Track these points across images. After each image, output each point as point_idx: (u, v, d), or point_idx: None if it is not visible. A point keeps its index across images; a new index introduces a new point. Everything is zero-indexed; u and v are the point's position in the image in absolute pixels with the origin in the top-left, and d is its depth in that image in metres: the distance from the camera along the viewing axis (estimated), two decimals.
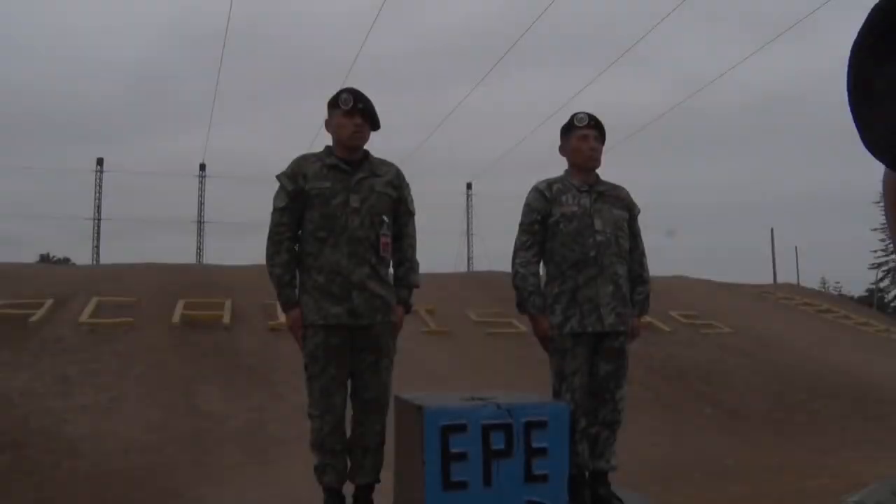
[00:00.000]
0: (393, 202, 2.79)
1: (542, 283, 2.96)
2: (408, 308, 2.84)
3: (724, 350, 8.01)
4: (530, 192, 3.02)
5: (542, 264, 2.99)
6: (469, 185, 23.91)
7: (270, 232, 2.71)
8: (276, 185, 2.78)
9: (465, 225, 21.97)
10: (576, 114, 3.01)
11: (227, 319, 7.25)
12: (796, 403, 6.53)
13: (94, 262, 17.80)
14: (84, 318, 7.06)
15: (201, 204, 20.95)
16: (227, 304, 7.73)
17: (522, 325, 7.82)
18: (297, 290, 2.71)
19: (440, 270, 11.63)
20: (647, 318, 8.02)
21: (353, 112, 2.73)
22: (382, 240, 2.70)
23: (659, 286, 9.91)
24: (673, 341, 8.07)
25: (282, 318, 7.16)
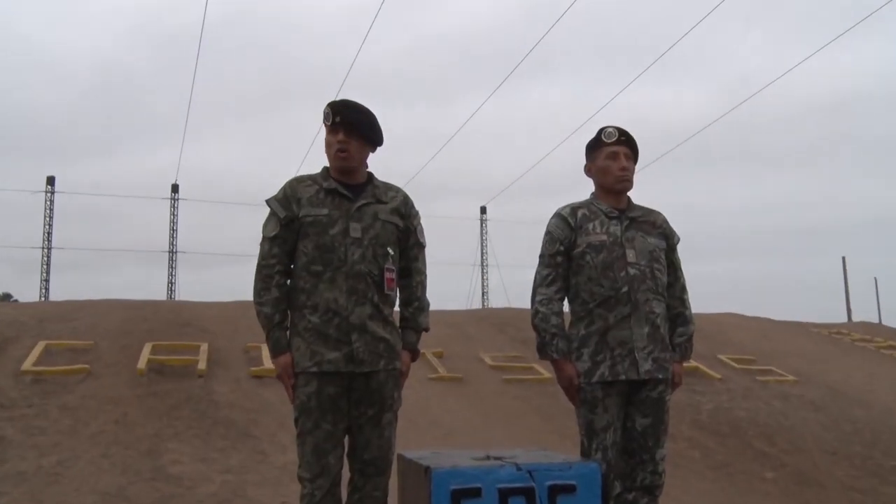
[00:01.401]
0: (400, 232, 2.82)
1: (567, 324, 2.95)
2: (415, 354, 2.83)
3: (787, 401, 7.89)
4: (552, 219, 3.02)
5: (566, 302, 2.99)
6: (483, 210, 23.90)
7: (259, 265, 2.74)
8: (266, 210, 2.80)
9: (479, 255, 22.08)
10: (604, 128, 3.02)
11: (202, 366, 7.21)
12: (885, 470, 6.26)
13: (43, 299, 17.95)
14: (27, 365, 6.93)
15: (173, 231, 21.15)
16: (203, 347, 7.71)
17: (545, 371, 7.79)
18: (288, 333, 2.72)
19: (450, 307, 11.69)
20: (691, 364, 8.01)
21: (335, 128, 2.76)
22: (387, 275, 2.72)
23: (706, 325, 9.88)
24: (724, 390, 7.97)
25: (268, 363, 7.28)
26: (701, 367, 8.33)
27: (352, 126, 2.75)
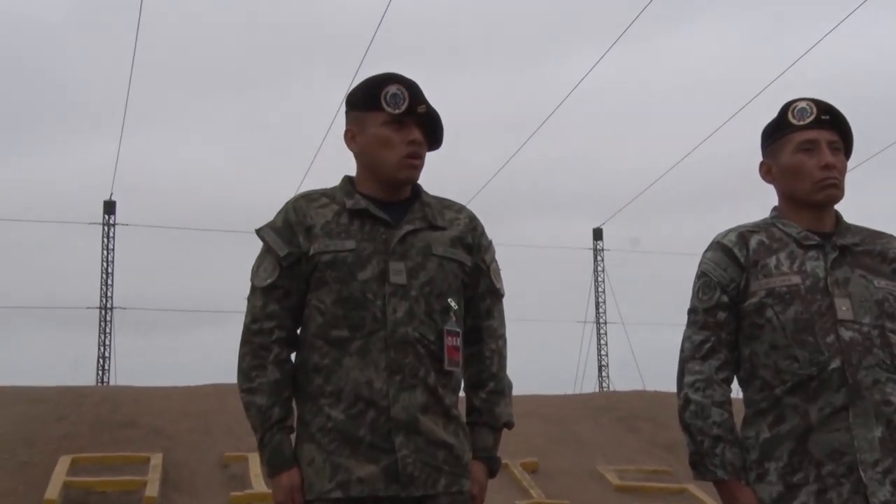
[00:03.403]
0: (466, 274, 2.79)
1: (740, 421, 2.84)
2: (493, 467, 2.79)
3: None
4: (708, 252, 2.93)
5: (735, 385, 2.90)
6: (597, 234, 23.33)
7: (247, 330, 2.72)
8: (257, 245, 2.78)
9: (591, 305, 21.47)
10: (792, 103, 2.93)
11: (152, 491, 6.96)
12: None
13: None
14: None
15: (107, 274, 21.11)
16: (155, 460, 7.50)
17: (706, 496, 7.59)
18: (294, 436, 2.71)
19: (548, 390, 11.43)
20: None
21: (405, 119, 2.75)
22: (448, 342, 2.70)
23: None
24: None
25: (261, 485, 7.10)
26: None
27: (433, 120, 2.78)
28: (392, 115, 2.75)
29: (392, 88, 2.78)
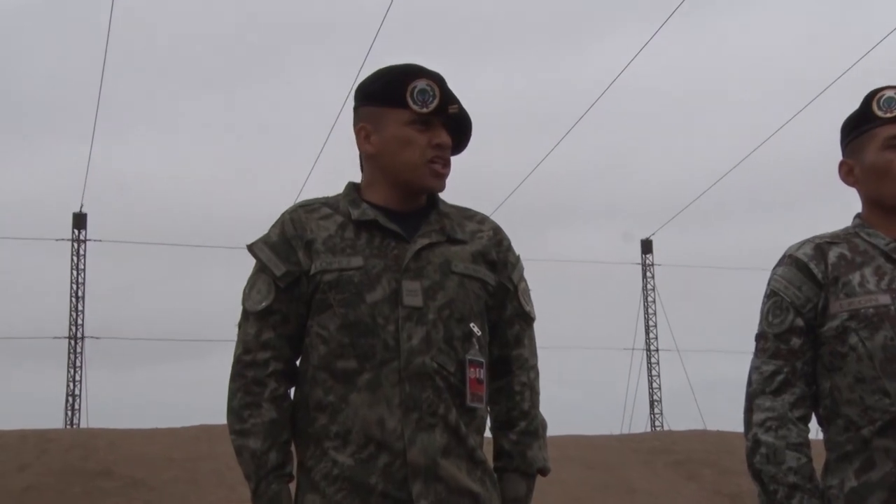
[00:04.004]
0: (490, 295, 2.74)
1: (821, 468, 2.79)
2: None
3: None
4: (779, 268, 2.89)
5: (814, 423, 2.85)
6: (646, 246, 23.03)
7: (238, 363, 2.69)
8: (248, 263, 2.75)
9: (641, 330, 21.18)
10: (879, 92, 2.89)
11: None
12: None
13: None
14: None
15: (76, 298, 21.10)
16: None
17: None
18: (293, 485, 2.65)
19: (590, 430, 11.31)
20: None
21: (433, 120, 2.73)
22: (471, 373, 2.65)
23: None
24: None
25: None
26: None
27: (462, 123, 2.77)
28: (418, 115, 2.72)
29: (420, 83, 2.74)
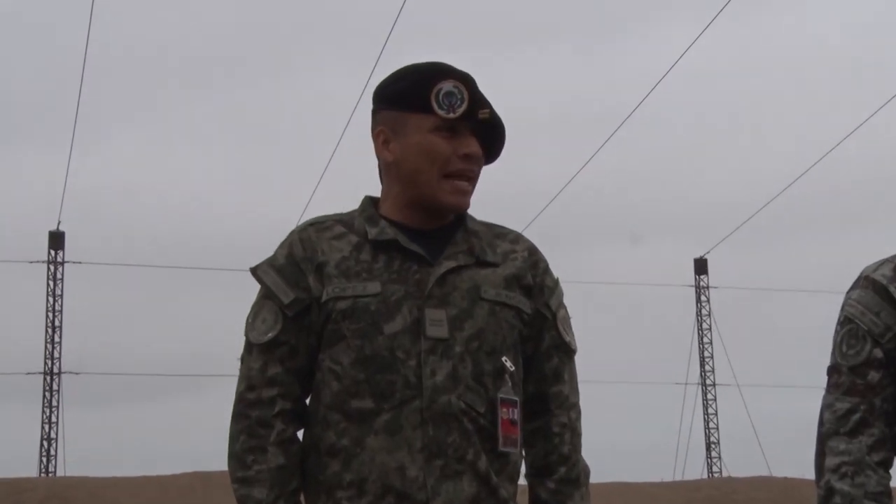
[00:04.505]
0: (525, 324, 2.64)
1: None
2: None
3: None
4: (855, 291, 2.79)
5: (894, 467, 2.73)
6: (700, 266, 22.05)
7: (241, 401, 2.60)
8: (252, 288, 2.67)
9: (695, 362, 20.51)
10: None
11: None
12: None
13: None
14: None
15: (53, 328, 20.39)
16: None
17: None
18: None
19: (640, 476, 10.95)
20: None
21: (460, 127, 2.63)
22: (504, 414, 2.55)
23: None
24: None
25: None
26: None
27: (495, 131, 2.66)
28: (444, 120, 2.61)
29: (447, 85, 2.63)
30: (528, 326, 2.67)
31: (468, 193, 2.68)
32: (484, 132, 2.66)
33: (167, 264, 28.33)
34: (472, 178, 2.67)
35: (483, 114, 2.64)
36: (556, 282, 2.76)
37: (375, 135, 2.71)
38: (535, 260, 2.72)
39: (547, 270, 2.75)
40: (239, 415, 2.59)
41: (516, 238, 2.76)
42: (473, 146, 2.63)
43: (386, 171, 2.71)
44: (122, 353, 33.21)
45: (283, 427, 2.57)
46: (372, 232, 2.64)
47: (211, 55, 43.82)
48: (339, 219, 2.72)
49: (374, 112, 2.74)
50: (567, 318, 2.77)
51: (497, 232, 2.75)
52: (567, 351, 2.73)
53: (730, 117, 41.89)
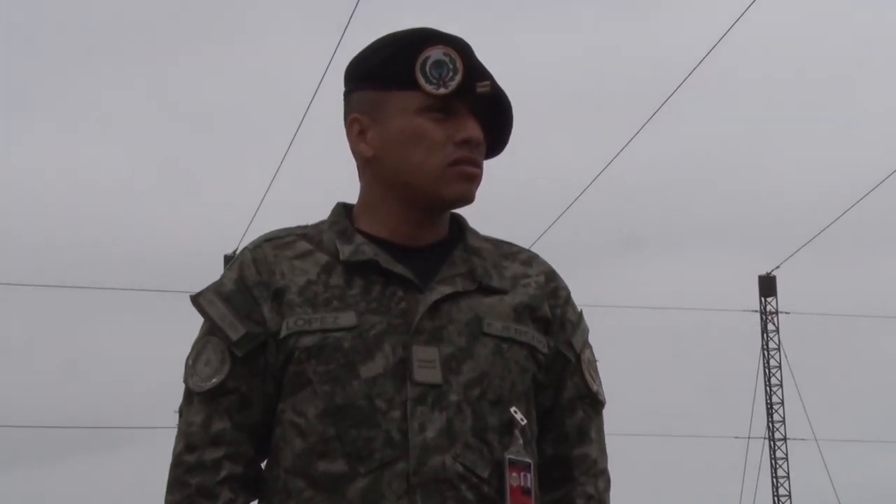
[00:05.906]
0: (541, 367, 2.39)
1: None
2: None
3: None
4: None
5: None
6: (767, 286, 19.56)
7: (179, 465, 2.34)
8: (195, 322, 2.44)
9: (758, 407, 19.53)
10: None
11: None
12: None
13: None
14: None
15: None
16: None
17: None
18: None
19: None
20: None
21: (456, 106, 2.37)
22: (513, 480, 2.34)
23: None
24: None
25: None
26: None
27: (498, 108, 2.40)
28: (435, 97, 2.32)
29: (435, 53, 2.36)
30: (545, 370, 2.39)
31: (475, 180, 2.39)
32: (484, 112, 2.36)
33: (84, 284, 23.86)
34: (476, 165, 2.41)
35: (482, 86, 2.34)
36: (580, 316, 2.48)
37: (349, 124, 2.39)
38: (553, 287, 2.43)
39: (568, 300, 2.45)
40: (175, 482, 2.31)
41: (529, 259, 2.46)
42: (472, 129, 2.33)
43: (363, 169, 2.40)
44: (30, 399, 28.63)
45: (231, 497, 2.29)
46: (345, 250, 2.34)
47: (141, 28, 39.90)
48: (303, 233, 2.42)
49: (347, 95, 2.45)
50: (594, 362, 2.49)
51: (505, 251, 2.46)
52: (594, 403, 2.45)
53: (795, 104, 38.21)
